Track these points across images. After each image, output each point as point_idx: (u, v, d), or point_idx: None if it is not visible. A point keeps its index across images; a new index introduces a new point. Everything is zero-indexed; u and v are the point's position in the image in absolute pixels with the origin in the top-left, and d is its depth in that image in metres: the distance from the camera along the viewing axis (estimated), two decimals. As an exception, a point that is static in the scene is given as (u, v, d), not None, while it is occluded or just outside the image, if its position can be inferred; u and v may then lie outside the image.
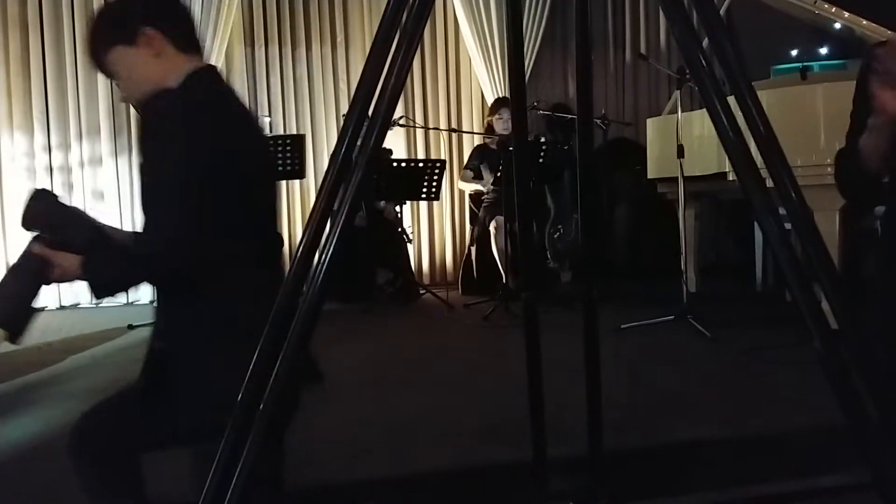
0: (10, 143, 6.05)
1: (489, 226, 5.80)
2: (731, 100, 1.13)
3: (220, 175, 1.55)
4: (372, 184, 5.33)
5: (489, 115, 6.19)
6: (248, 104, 6.47)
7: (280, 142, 5.27)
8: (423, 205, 6.73)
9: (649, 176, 5.75)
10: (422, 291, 6.04)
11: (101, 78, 5.79)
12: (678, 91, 4.86)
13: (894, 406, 1.08)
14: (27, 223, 1.57)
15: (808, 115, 4.15)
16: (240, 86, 6.43)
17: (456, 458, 2.64)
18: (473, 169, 6.10)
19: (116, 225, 2.13)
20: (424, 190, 5.62)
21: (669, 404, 3.14)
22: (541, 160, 5.59)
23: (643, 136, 6.11)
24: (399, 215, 5.87)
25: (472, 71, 6.83)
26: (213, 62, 6.13)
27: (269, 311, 1.62)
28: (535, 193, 6.09)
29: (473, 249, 6.12)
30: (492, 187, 5.84)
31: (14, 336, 1.57)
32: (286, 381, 1.13)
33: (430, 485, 2.51)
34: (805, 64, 5.13)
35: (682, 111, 4.67)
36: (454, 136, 6.83)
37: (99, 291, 1.55)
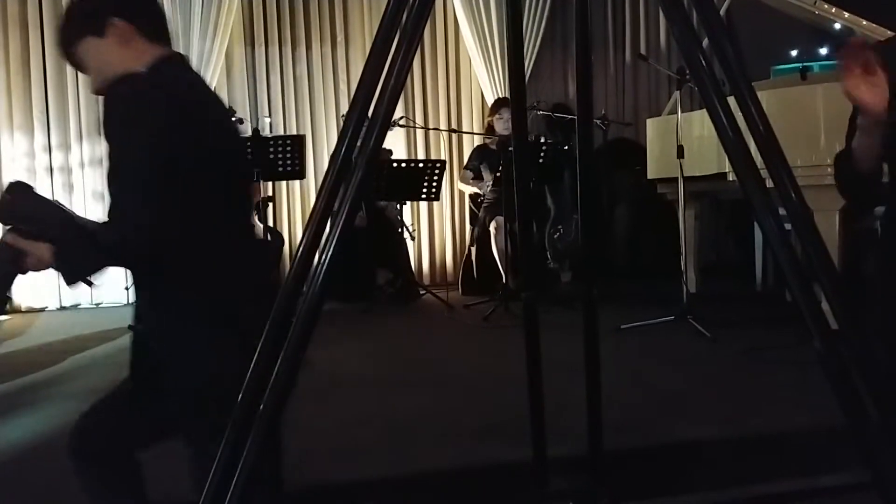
0: (10, 143, 6.05)
1: (489, 226, 5.80)
2: (731, 100, 1.13)
3: (185, 159, 1.56)
4: (372, 184, 5.33)
5: (489, 116, 6.19)
6: (247, 104, 6.49)
7: (280, 142, 5.26)
8: (423, 205, 6.74)
9: (649, 176, 5.75)
10: (422, 291, 6.04)
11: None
12: (678, 91, 4.86)
13: (894, 406, 1.08)
14: (3, 216, 1.59)
15: (808, 116, 4.15)
16: (240, 86, 6.44)
17: (456, 458, 2.64)
18: (473, 169, 6.10)
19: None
20: (424, 190, 5.62)
21: (669, 404, 3.14)
22: (541, 160, 5.59)
23: (643, 137, 6.11)
24: (400, 216, 5.86)
25: (472, 71, 6.83)
26: (213, 62, 6.15)
27: (242, 291, 1.63)
28: (535, 193, 6.09)
29: (473, 249, 6.13)
30: (491, 187, 5.84)
31: None
32: (287, 381, 1.13)
33: (430, 485, 2.51)
34: (805, 64, 5.14)
35: (682, 111, 4.67)
36: (454, 136, 6.84)
37: (70, 278, 1.57)
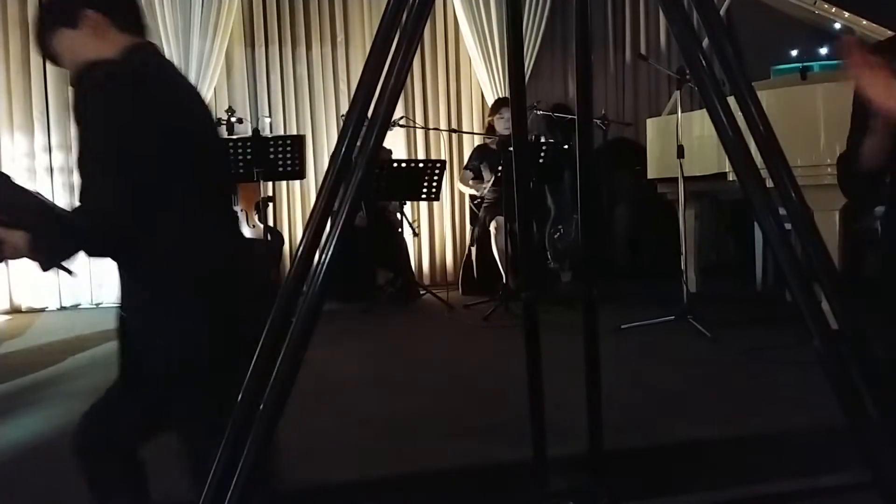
0: (10, 143, 6.05)
1: (489, 226, 5.80)
2: (731, 100, 1.13)
3: (155, 143, 1.57)
4: (372, 184, 5.33)
5: (490, 115, 6.19)
6: (247, 104, 6.49)
7: (280, 142, 5.26)
8: (423, 205, 6.74)
9: (649, 176, 5.75)
10: (422, 291, 6.04)
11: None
12: (678, 91, 4.86)
13: (894, 406, 1.08)
14: None
15: (808, 116, 4.15)
16: (240, 86, 6.44)
17: (456, 458, 2.64)
18: (473, 169, 6.10)
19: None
20: (424, 190, 5.62)
21: (669, 404, 3.14)
22: (541, 160, 5.59)
23: (643, 137, 6.11)
24: (401, 212, 5.86)
25: (472, 71, 6.83)
26: (213, 62, 6.15)
27: (218, 271, 1.64)
28: (535, 193, 6.09)
29: (473, 249, 6.12)
30: (491, 187, 5.84)
31: None
32: (287, 380, 1.13)
33: (430, 485, 2.51)
34: (805, 64, 5.13)
35: (682, 111, 4.67)
36: (454, 136, 6.84)
37: (46, 265, 1.58)
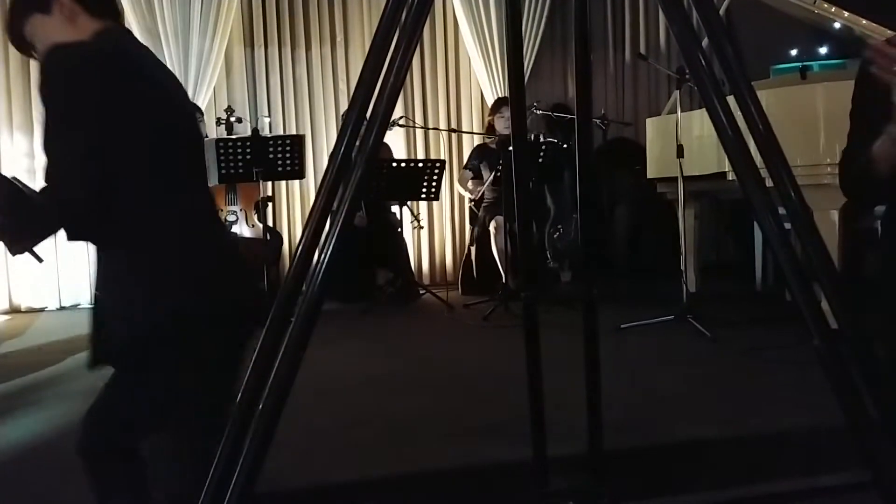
0: (9, 143, 6.05)
1: (489, 226, 5.80)
2: (731, 99, 1.13)
3: (121, 122, 1.57)
4: (372, 184, 5.33)
5: (490, 115, 6.19)
6: (247, 104, 6.48)
7: (280, 142, 5.26)
8: (423, 204, 6.73)
9: (649, 176, 5.75)
10: (422, 291, 6.04)
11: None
12: (678, 91, 4.85)
13: (894, 406, 1.08)
14: None
15: (808, 115, 4.15)
16: (239, 86, 6.44)
17: (456, 458, 2.64)
18: (473, 169, 6.10)
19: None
20: (424, 190, 5.62)
21: (669, 404, 3.14)
22: (540, 160, 5.59)
23: (643, 136, 6.11)
24: (400, 212, 5.86)
25: (471, 71, 6.83)
26: (212, 62, 6.15)
27: (187, 250, 1.65)
28: (535, 193, 6.09)
29: (473, 249, 6.12)
30: (491, 187, 5.84)
31: None
32: (286, 380, 1.13)
33: (430, 485, 2.51)
34: (805, 63, 5.13)
35: (682, 111, 4.67)
36: (454, 136, 6.83)
37: (14, 249, 1.59)
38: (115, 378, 1.70)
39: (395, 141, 6.48)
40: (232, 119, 5.53)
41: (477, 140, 6.47)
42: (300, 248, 1.17)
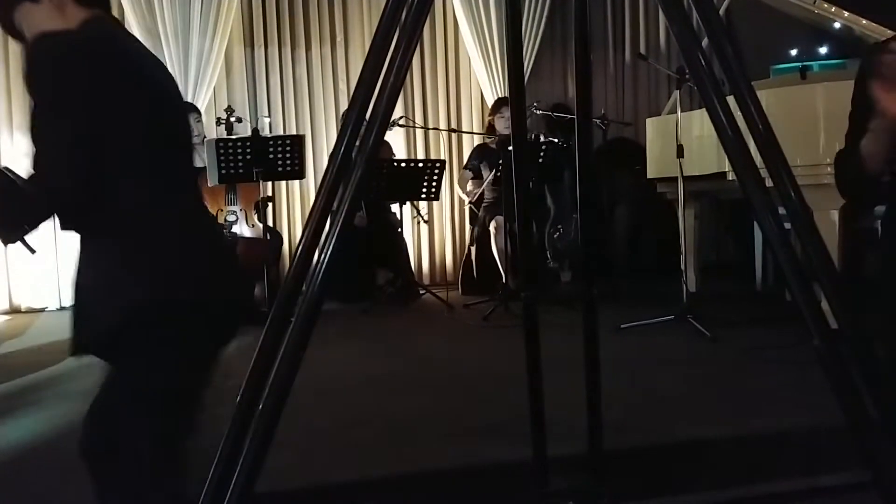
0: (9, 143, 6.05)
1: (489, 226, 5.80)
2: (731, 99, 1.13)
3: (111, 114, 1.57)
4: (372, 184, 5.33)
5: (490, 115, 6.19)
6: (247, 104, 6.46)
7: (280, 142, 5.26)
8: (423, 205, 6.73)
9: (649, 176, 5.75)
10: (422, 291, 6.04)
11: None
12: (678, 91, 4.85)
13: (894, 406, 1.08)
14: None
15: (808, 115, 4.15)
16: (239, 86, 6.43)
17: (456, 458, 2.64)
18: (473, 169, 6.11)
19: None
20: (424, 190, 5.62)
21: (669, 404, 3.14)
22: (541, 160, 5.59)
23: (643, 136, 6.11)
24: (400, 216, 5.86)
25: (471, 71, 6.83)
26: (212, 62, 6.15)
27: (173, 245, 1.65)
28: (535, 193, 6.09)
29: (473, 249, 6.12)
30: (491, 187, 5.85)
31: None
32: (286, 380, 1.13)
33: (430, 485, 2.51)
34: (805, 63, 5.13)
35: (682, 111, 4.67)
36: (454, 136, 6.83)
37: (5, 238, 1.59)
38: (108, 376, 1.70)
39: (395, 141, 6.48)
40: (232, 119, 5.53)
41: (477, 140, 6.47)
42: (300, 248, 1.17)
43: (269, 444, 1.13)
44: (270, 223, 5.64)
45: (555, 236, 6.24)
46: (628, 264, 6.61)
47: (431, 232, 6.87)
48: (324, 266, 1.14)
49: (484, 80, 6.72)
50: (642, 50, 6.94)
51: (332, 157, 1.17)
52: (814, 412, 2.67)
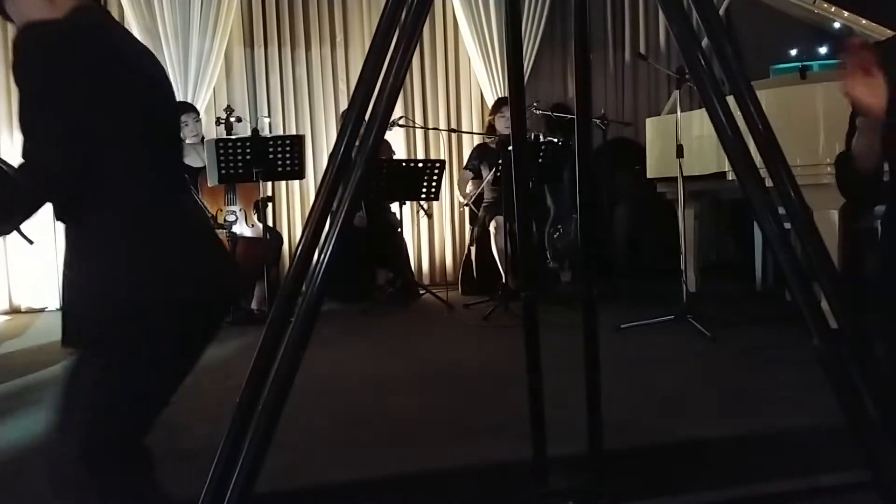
0: (10, 143, 6.04)
1: (489, 226, 5.80)
2: (731, 99, 1.13)
3: (100, 103, 1.57)
4: (372, 184, 5.33)
5: (491, 115, 6.19)
6: (247, 104, 6.45)
7: (279, 142, 5.26)
8: (421, 211, 6.73)
9: (649, 176, 5.75)
10: (422, 291, 6.04)
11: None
12: (677, 91, 4.85)
13: (894, 406, 1.08)
14: None
15: (808, 115, 4.15)
16: (239, 86, 6.43)
17: (456, 458, 2.64)
18: (473, 168, 6.11)
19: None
20: (424, 190, 5.62)
21: (669, 404, 3.14)
22: (540, 160, 5.59)
23: (643, 136, 6.11)
24: (400, 216, 5.86)
25: (471, 71, 6.83)
26: (212, 62, 6.15)
27: (158, 231, 1.65)
28: (535, 193, 6.09)
29: (473, 249, 6.12)
30: (491, 186, 5.84)
31: None
32: (286, 380, 1.13)
33: (430, 485, 2.51)
34: (804, 63, 5.13)
35: (682, 111, 4.67)
36: (454, 136, 6.83)
37: (1, 229, 1.59)
38: (94, 373, 1.70)
39: (395, 141, 6.48)
40: (232, 119, 5.53)
41: (477, 140, 6.47)
42: (300, 248, 1.17)
43: (269, 444, 1.13)
44: (270, 223, 5.64)
45: (555, 236, 6.24)
46: (628, 264, 6.60)
47: (431, 232, 6.87)
48: (324, 266, 1.14)
49: (484, 80, 6.72)
50: (642, 50, 6.94)
51: (331, 156, 1.17)
52: (814, 412, 2.68)
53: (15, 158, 1.57)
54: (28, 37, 1.58)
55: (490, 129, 6.13)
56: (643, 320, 4.40)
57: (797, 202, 1.10)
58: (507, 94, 5.36)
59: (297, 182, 6.38)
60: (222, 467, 1.12)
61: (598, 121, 5.60)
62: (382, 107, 1.14)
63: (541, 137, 5.73)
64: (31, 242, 1.66)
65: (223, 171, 5.09)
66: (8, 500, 2.45)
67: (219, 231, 5.15)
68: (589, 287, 1.52)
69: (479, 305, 5.36)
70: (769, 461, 2.55)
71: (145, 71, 1.73)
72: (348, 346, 4.43)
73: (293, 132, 6.27)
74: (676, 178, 4.68)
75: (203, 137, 5.65)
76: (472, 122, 6.88)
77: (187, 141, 5.51)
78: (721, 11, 5.48)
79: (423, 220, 6.81)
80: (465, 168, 6.24)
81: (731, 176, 4.33)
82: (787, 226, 1.13)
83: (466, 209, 6.47)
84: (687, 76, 4.60)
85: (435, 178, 5.59)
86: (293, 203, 6.59)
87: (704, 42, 1.17)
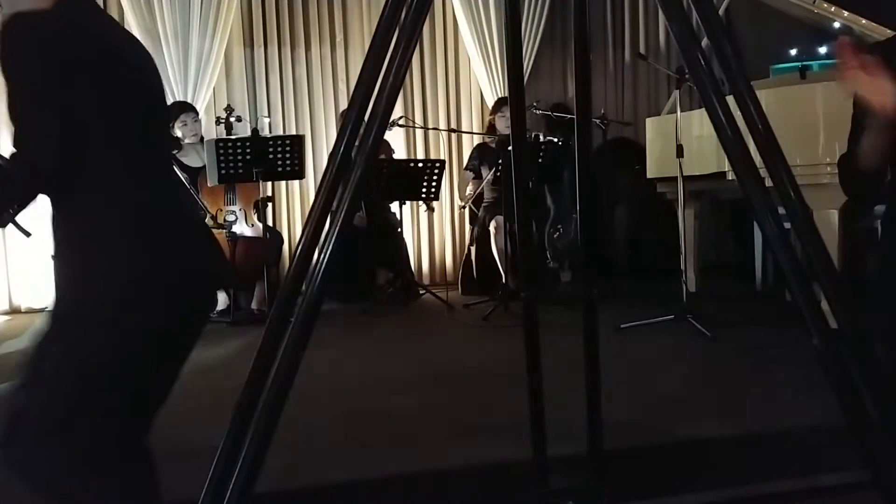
0: (9, 143, 6.04)
1: (489, 226, 5.80)
2: (731, 99, 1.13)
3: (87, 93, 1.58)
4: (372, 184, 5.33)
5: (491, 114, 6.19)
6: (247, 104, 6.44)
7: (279, 142, 5.26)
8: (423, 205, 6.73)
9: (649, 176, 5.74)
10: (422, 291, 6.04)
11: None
12: (677, 91, 4.85)
13: (894, 406, 1.08)
14: None
15: (808, 115, 4.14)
16: (239, 86, 6.43)
17: (456, 458, 2.64)
18: (473, 169, 6.11)
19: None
20: (424, 190, 5.62)
21: (669, 404, 3.14)
22: (540, 160, 5.59)
23: (643, 136, 6.11)
24: (400, 215, 5.86)
25: (471, 71, 6.83)
26: (212, 62, 6.14)
27: (145, 219, 1.65)
28: (535, 193, 6.09)
29: (473, 249, 6.12)
30: (491, 186, 5.84)
31: None
32: (286, 380, 1.13)
33: (430, 485, 2.51)
34: (804, 63, 5.13)
35: (682, 111, 4.67)
36: (454, 136, 6.83)
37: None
38: (76, 367, 1.70)
39: (395, 141, 6.48)
40: (231, 119, 5.53)
41: (477, 140, 6.47)
42: (300, 248, 1.17)
43: (268, 444, 1.13)
44: (270, 223, 5.64)
45: (555, 236, 6.24)
46: (628, 264, 6.60)
47: (431, 232, 6.87)
48: (324, 266, 1.14)
49: (484, 80, 6.72)
50: (642, 50, 6.94)
51: (331, 156, 1.17)
52: (814, 412, 2.68)
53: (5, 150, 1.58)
54: (14, 27, 1.58)
55: (490, 129, 6.13)
56: (643, 320, 4.40)
57: (797, 202, 1.11)
58: (507, 94, 5.36)
59: (296, 182, 6.37)
60: (222, 467, 1.12)
61: (597, 121, 5.60)
62: (382, 107, 1.14)
63: (541, 137, 5.73)
64: (28, 235, 1.66)
65: (223, 171, 5.09)
66: (8, 501, 2.45)
67: (218, 231, 5.14)
68: (589, 287, 1.52)
69: (479, 305, 5.36)
70: (769, 461, 2.55)
71: (129, 61, 1.73)
72: (348, 346, 4.43)
73: (293, 132, 6.27)
74: (676, 178, 4.68)
75: (203, 137, 5.64)
76: (472, 122, 6.87)
77: (186, 141, 5.51)
78: (721, 11, 5.48)
79: (424, 221, 6.81)
80: (466, 168, 6.24)
81: (731, 176, 4.33)
82: (787, 226, 1.13)
83: (467, 209, 6.47)
84: (687, 76, 4.60)
85: (435, 178, 5.59)
86: (293, 203, 6.59)
87: (704, 42, 1.17)
